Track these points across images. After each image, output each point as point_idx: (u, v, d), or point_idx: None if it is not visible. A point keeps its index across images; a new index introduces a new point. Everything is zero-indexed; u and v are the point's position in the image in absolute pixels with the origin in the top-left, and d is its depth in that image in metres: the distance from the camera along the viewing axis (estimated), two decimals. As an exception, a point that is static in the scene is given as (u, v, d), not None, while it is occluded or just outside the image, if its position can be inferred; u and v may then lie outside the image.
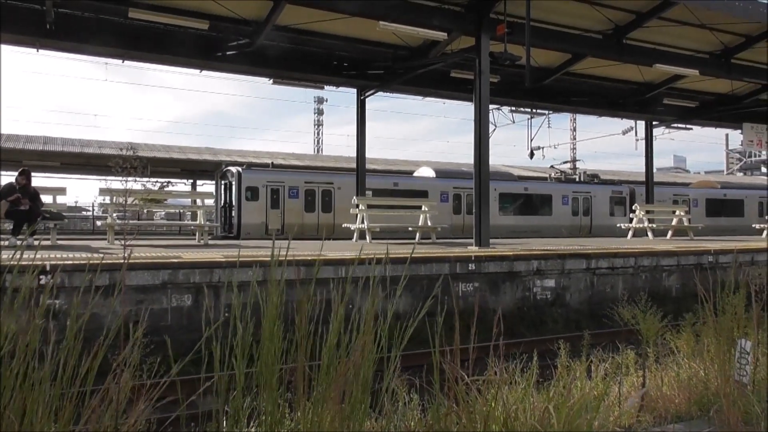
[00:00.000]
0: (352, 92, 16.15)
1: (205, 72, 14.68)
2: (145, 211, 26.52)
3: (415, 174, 26.19)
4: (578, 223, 26.16)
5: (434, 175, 24.88)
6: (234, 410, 2.45)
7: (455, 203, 23.73)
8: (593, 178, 29.36)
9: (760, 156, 56.05)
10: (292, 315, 2.56)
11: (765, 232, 20.05)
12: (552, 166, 32.59)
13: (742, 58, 15.48)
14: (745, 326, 3.66)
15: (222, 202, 22.58)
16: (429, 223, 14.12)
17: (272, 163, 24.67)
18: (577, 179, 29.45)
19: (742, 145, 22.41)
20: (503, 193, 24.72)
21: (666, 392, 3.62)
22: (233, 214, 21.17)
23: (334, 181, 22.01)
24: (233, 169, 21.51)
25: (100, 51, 13.20)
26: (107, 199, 11.82)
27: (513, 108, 28.65)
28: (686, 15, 12.93)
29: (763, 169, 58.19)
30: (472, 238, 20.88)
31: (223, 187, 22.47)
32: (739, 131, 19.52)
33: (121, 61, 13.81)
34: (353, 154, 16.61)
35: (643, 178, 21.79)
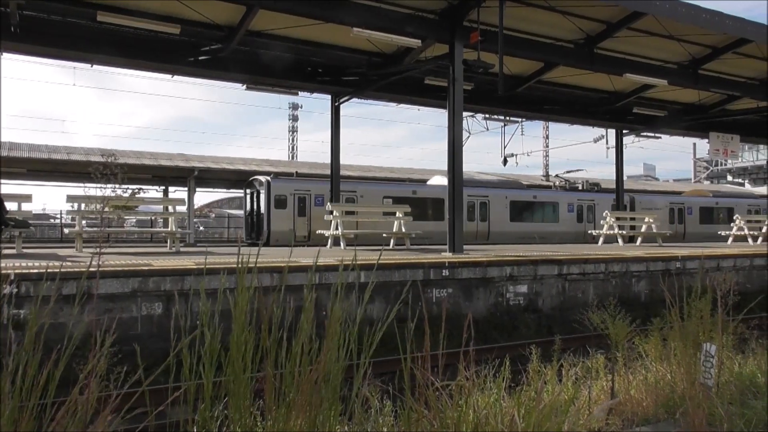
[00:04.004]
0: (327, 98, 16.15)
1: (176, 77, 14.51)
2: (116, 218, 26.04)
3: (429, 182, 26.85)
4: (583, 230, 26.92)
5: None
6: (202, 419, 2.41)
7: (469, 210, 24.35)
8: (594, 187, 30.31)
9: (725, 165, 57.60)
10: (262, 322, 2.53)
11: (730, 239, 20.56)
12: (557, 175, 33.26)
13: (708, 69, 15.90)
14: (710, 330, 3.73)
15: (248, 210, 23.17)
16: (403, 230, 14.14)
17: (296, 172, 25.10)
18: (580, 188, 30.21)
19: (708, 153, 22.99)
20: (514, 200, 25.65)
21: (634, 395, 3.67)
22: (263, 222, 21.64)
23: (357, 189, 22.65)
24: (262, 178, 22.03)
25: (67, 55, 12.93)
26: (75, 206, 11.56)
27: (487, 115, 28.96)
28: (655, 26, 13.24)
29: (729, 177, 59.82)
30: (486, 244, 21.58)
31: (249, 195, 22.99)
32: (706, 140, 20.03)
33: (89, 65, 13.57)
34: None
35: (640, 187, 22.41)
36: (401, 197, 22.48)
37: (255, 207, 22.53)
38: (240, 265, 2.52)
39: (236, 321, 2.43)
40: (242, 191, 24.40)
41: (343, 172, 28.05)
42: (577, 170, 33.69)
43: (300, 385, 2.34)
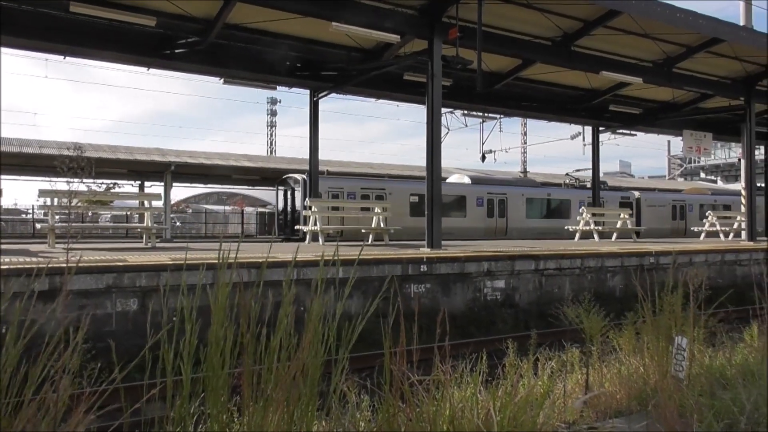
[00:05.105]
0: (306, 93, 16.07)
1: (152, 70, 14.30)
2: (90, 213, 25.65)
3: (450, 180, 27.60)
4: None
5: (470, 182, 26.64)
6: (179, 416, 2.39)
7: (489, 207, 25.37)
8: (601, 185, 30.88)
9: (699, 162, 58.77)
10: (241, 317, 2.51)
11: (703, 235, 21.00)
12: (567, 174, 34.04)
13: (682, 68, 16.17)
14: (682, 324, 3.81)
15: (281, 207, 23.77)
16: (382, 225, 14.17)
17: (327, 170, 25.52)
18: (589, 186, 30.86)
19: (682, 151, 23.46)
20: (529, 198, 26.77)
21: (608, 388, 3.73)
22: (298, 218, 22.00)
23: (386, 186, 23.36)
24: (297, 176, 22.44)
25: (39, 46, 12.63)
26: (48, 201, 11.34)
27: (465, 111, 29.12)
28: (631, 24, 13.41)
29: (702, 175, 61.06)
30: (504, 239, 22.09)
31: (282, 193, 23.55)
32: (680, 138, 20.40)
33: (62, 57, 13.29)
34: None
35: (644, 185, 22.85)
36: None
37: (290, 204, 23.00)
38: (221, 260, 2.50)
39: (215, 316, 2.42)
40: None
41: (371, 171, 29.10)
42: (586, 169, 34.58)
43: (278, 380, 2.34)
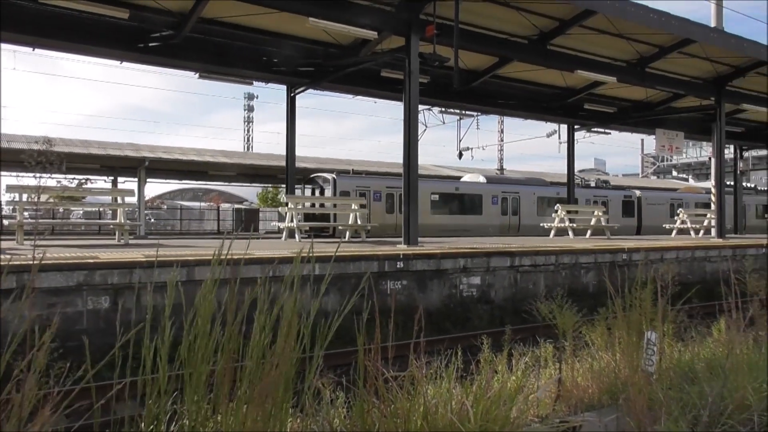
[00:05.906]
0: (282, 89, 15.94)
1: (125, 64, 14.04)
2: (61, 209, 25.14)
3: (465, 179, 28.59)
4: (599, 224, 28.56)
5: (485, 181, 27.69)
6: (152, 415, 2.36)
7: (503, 206, 26.29)
8: (605, 184, 32.21)
9: (671, 160, 59.91)
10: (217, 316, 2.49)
11: (674, 232, 21.42)
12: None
13: (655, 68, 16.45)
14: (652, 319, 3.88)
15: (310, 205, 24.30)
16: (359, 222, 14.15)
17: (353, 170, 26.11)
18: (593, 185, 31.86)
19: (655, 150, 23.90)
20: (540, 196, 27.72)
21: (580, 383, 3.78)
22: (328, 216, 22.13)
23: None
24: (326, 175, 23.07)
25: (7, 37, 12.27)
26: (16, 197, 11.05)
27: (443, 109, 29.26)
28: (605, 24, 13.59)
29: (674, 173, 62.25)
30: (517, 236, 22.31)
31: (309, 191, 24.12)
32: (653, 136, 20.74)
33: (31, 49, 12.96)
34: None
35: (644, 185, 23.22)
36: (446, 193, 24.80)
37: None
38: (215, 257, 2.48)
39: (201, 313, 2.39)
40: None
41: (393, 170, 29.27)
42: (590, 169, 34.92)
43: (255, 378, 2.32)
